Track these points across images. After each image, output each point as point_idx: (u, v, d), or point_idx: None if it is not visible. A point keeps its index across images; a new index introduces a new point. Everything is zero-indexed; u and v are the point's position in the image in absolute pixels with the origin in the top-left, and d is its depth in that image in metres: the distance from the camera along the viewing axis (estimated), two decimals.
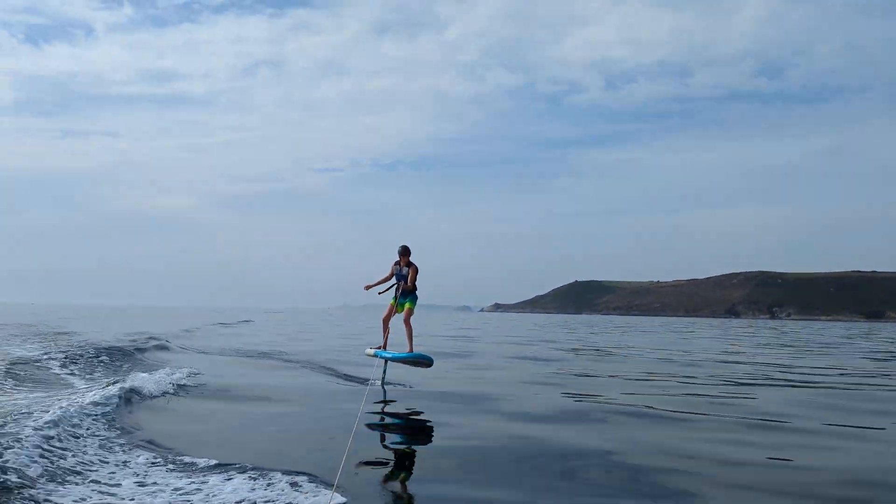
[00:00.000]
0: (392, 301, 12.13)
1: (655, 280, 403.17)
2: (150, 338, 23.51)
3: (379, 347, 12.45)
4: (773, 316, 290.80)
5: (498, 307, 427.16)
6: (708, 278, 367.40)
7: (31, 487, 5.00)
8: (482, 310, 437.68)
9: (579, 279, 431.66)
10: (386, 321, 12.33)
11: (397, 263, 12.00)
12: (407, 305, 11.95)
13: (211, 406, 9.85)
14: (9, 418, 6.97)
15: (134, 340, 21.81)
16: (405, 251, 11.86)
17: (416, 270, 11.92)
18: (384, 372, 12.44)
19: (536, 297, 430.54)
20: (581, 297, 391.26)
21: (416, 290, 12.03)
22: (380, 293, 12.12)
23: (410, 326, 11.96)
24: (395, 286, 12.07)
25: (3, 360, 13.89)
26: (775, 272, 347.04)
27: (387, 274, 12.07)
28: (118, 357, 16.68)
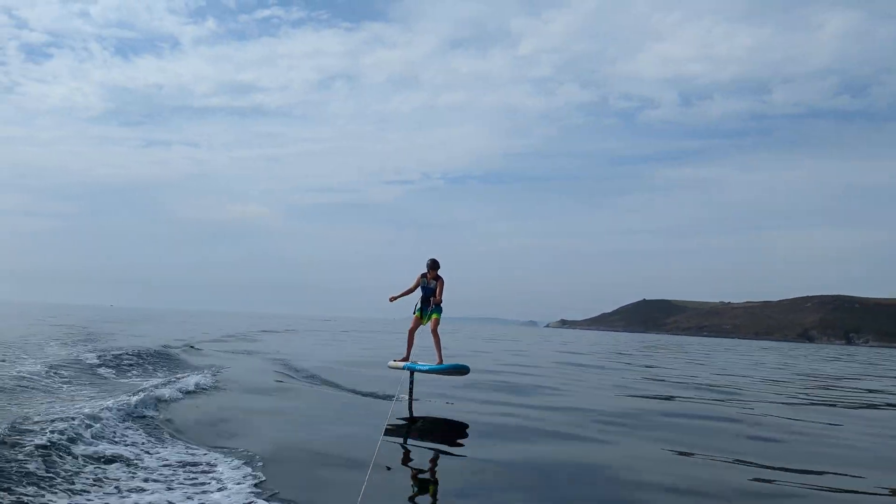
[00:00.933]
0: (417, 313, 11.95)
1: (726, 301, 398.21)
2: (186, 344, 24.56)
3: (404, 359, 12.11)
4: (849, 342, 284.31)
5: (564, 323, 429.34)
6: (781, 301, 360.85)
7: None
8: (548, 325, 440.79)
9: (647, 297, 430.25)
10: (412, 333, 12.07)
11: (424, 276, 11.83)
12: (434, 316, 11.72)
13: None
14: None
15: (166, 346, 22.41)
16: (434, 265, 11.73)
17: (443, 284, 11.74)
18: (411, 384, 12.05)
19: (603, 314, 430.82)
20: (649, 315, 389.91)
21: (441, 302, 11.77)
22: (392, 299, 11.85)
23: (438, 336, 11.71)
24: (422, 298, 11.91)
25: (46, 360, 15.26)
26: (852, 296, 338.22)
27: (411, 285, 11.91)
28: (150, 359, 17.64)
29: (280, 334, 43.50)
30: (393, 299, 11.86)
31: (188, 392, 11.83)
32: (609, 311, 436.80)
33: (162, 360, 17.99)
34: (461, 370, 11.74)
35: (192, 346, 23.78)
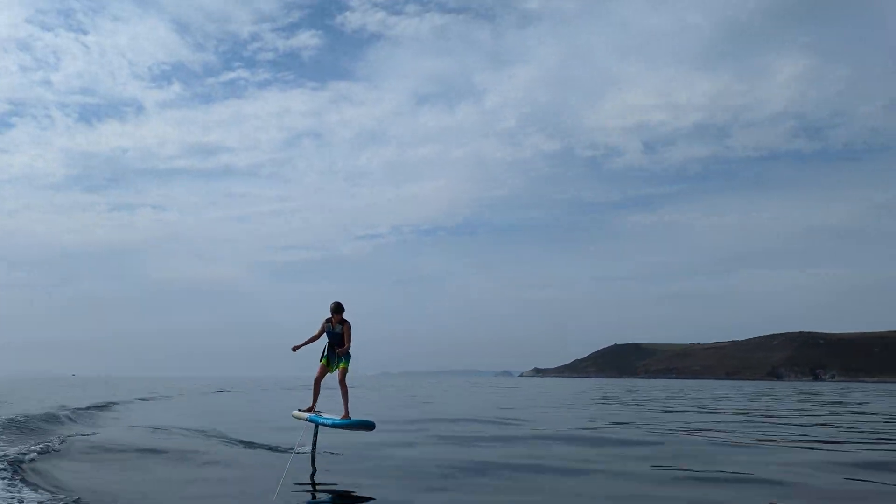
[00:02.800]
0: (323, 361, 11.37)
1: (696, 342, 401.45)
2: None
3: (309, 410, 11.62)
4: (816, 378, 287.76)
5: (537, 371, 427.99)
6: (748, 340, 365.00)
7: None
8: (521, 374, 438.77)
9: (619, 342, 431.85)
10: (318, 382, 11.52)
11: (328, 321, 11.30)
12: (341, 365, 11.19)
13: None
14: None
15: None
16: (338, 308, 11.21)
17: (349, 328, 11.17)
18: (315, 437, 11.59)
19: (575, 361, 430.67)
20: (621, 360, 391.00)
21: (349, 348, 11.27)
22: (295, 348, 11.19)
23: (346, 387, 11.21)
24: (327, 345, 11.40)
25: None
26: (817, 332, 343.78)
27: (316, 332, 11.35)
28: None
29: (204, 396, 43.22)
30: (296, 349, 11.16)
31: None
32: (582, 357, 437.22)
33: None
34: (367, 426, 10.91)
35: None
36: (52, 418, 19.35)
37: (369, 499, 8.51)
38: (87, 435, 15.59)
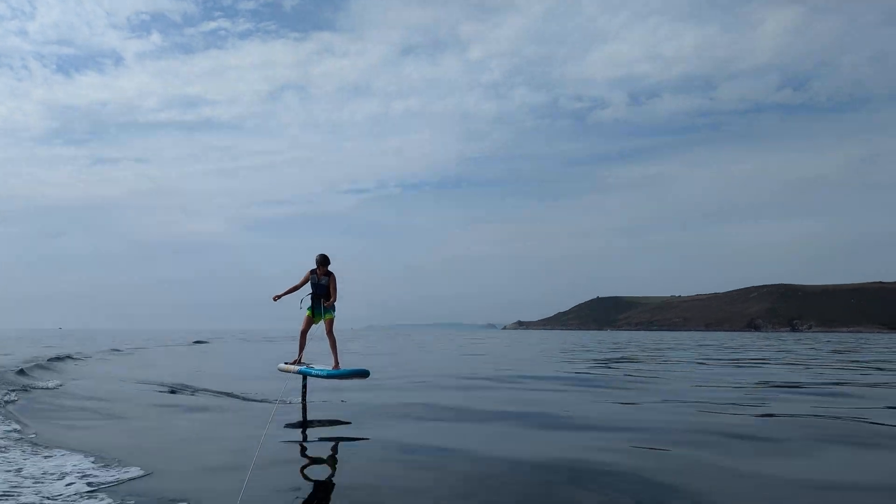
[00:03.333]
0: (308, 312, 11.22)
1: (677, 295, 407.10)
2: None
3: (295, 362, 11.46)
4: (793, 329, 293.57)
5: (520, 324, 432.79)
6: (728, 292, 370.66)
7: None
8: (504, 327, 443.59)
9: (601, 295, 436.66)
10: (304, 334, 11.33)
11: (313, 272, 11.14)
12: (327, 316, 11.13)
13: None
14: None
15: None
16: (324, 260, 11.07)
17: (335, 281, 11.14)
18: (304, 389, 11.50)
19: (559, 313, 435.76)
20: (602, 313, 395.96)
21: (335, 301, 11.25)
22: (276, 297, 11.03)
23: (334, 338, 11.12)
24: (312, 296, 11.19)
25: None
26: (796, 285, 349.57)
27: (298, 282, 11.15)
28: None
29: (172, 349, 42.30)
30: (277, 298, 10.96)
31: None
32: (564, 310, 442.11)
33: None
34: (360, 374, 10.77)
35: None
36: (21, 371, 18.35)
37: (363, 438, 8.67)
38: (54, 388, 14.96)
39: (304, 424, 9.80)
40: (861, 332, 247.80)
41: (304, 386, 11.54)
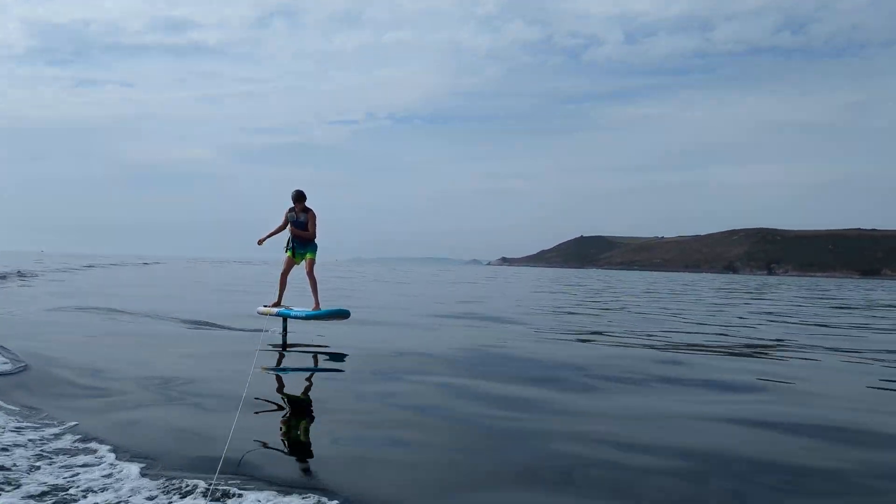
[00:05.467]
0: (288, 253, 10.93)
1: (660, 236, 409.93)
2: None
3: (275, 305, 11.07)
4: (770, 272, 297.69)
5: (504, 261, 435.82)
6: (710, 234, 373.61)
7: None
8: (489, 263, 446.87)
9: (585, 234, 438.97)
10: (284, 275, 11.05)
11: (292, 210, 10.77)
12: (308, 256, 10.88)
13: None
14: None
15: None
16: (300, 196, 10.67)
17: (314, 217, 10.80)
18: (284, 332, 10.94)
19: (542, 251, 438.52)
20: (585, 252, 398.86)
21: (314, 238, 10.95)
22: (260, 241, 10.95)
23: (315, 278, 10.83)
24: (292, 236, 10.88)
25: None
26: (776, 229, 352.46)
27: (280, 223, 10.89)
28: None
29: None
30: (261, 242, 10.93)
31: None
32: (548, 248, 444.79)
33: None
34: (342, 315, 10.67)
35: None
36: None
37: (343, 355, 9.38)
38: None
39: (281, 359, 9.24)
40: (836, 276, 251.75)
41: (284, 329, 11.01)
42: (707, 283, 63.85)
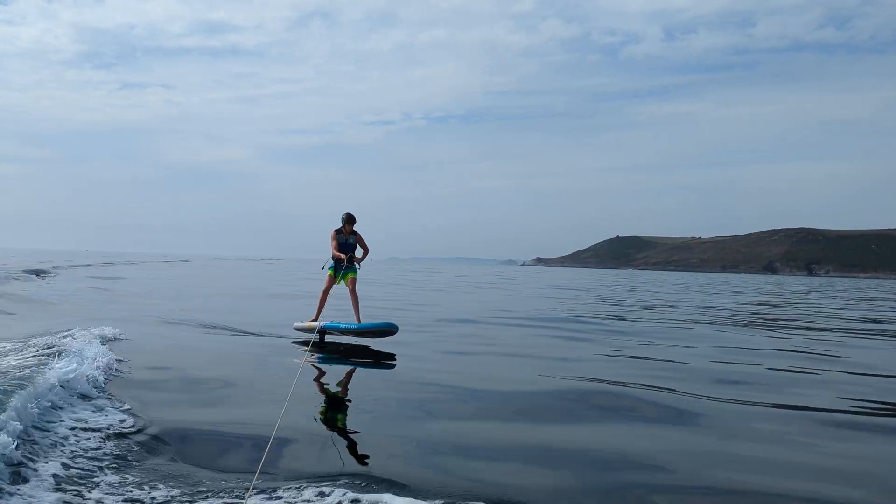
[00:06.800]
0: (330, 271, 11.32)
1: (697, 236, 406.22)
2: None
3: (313, 321, 11.19)
4: (811, 273, 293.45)
5: (539, 261, 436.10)
6: (748, 234, 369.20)
7: None
8: (523, 263, 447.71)
9: (621, 234, 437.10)
10: (326, 294, 11.40)
11: (339, 232, 11.15)
12: (350, 275, 11.23)
13: None
14: None
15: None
16: (350, 219, 11.04)
17: (363, 240, 11.31)
18: (319, 341, 10.82)
19: (577, 251, 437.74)
20: (621, 252, 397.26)
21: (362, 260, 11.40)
22: (339, 259, 11.14)
23: (357, 296, 11.16)
24: (335, 257, 11.17)
25: None
26: (817, 229, 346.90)
27: (333, 244, 11.14)
28: None
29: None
30: (340, 259, 11.06)
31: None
32: (584, 248, 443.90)
33: None
34: (389, 329, 10.70)
35: None
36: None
37: (391, 355, 10.14)
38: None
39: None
40: (879, 277, 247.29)
41: (321, 341, 10.93)
42: (775, 285, 61.20)
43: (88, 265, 49.24)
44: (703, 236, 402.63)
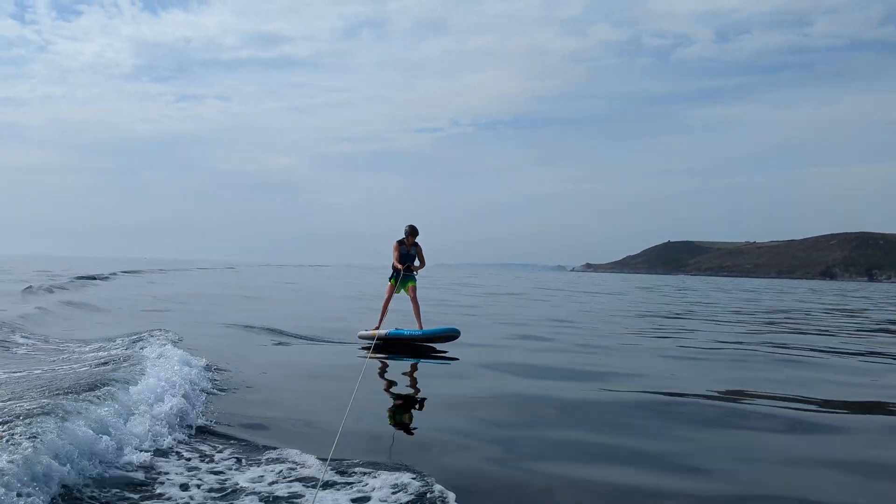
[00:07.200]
0: (392, 281, 11.63)
1: (751, 241, 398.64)
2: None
3: (375, 329, 11.51)
4: (871, 279, 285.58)
5: (589, 266, 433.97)
6: (805, 239, 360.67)
7: None
8: (573, 269, 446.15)
9: (673, 239, 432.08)
10: (387, 303, 11.80)
11: (401, 242, 11.51)
12: (410, 283, 11.66)
13: None
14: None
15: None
16: (413, 231, 11.39)
17: (422, 250, 11.65)
18: (376, 346, 10.72)
19: (627, 257, 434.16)
20: (672, 257, 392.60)
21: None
22: (400, 268, 11.53)
23: (418, 303, 11.58)
24: (395, 267, 11.55)
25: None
26: (877, 233, 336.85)
27: (395, 254, 11.50)
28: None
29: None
30: (401, 269, 11.47)
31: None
32: (634, 253, 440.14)
33: None
34: (451, 333, 11.16)
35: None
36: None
37: (454, 359, 10.38)
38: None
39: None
40: None
41: (380, 345, 11.11)
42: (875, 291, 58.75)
43: (161, 270, 55.59)
44: (757, 241, 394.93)
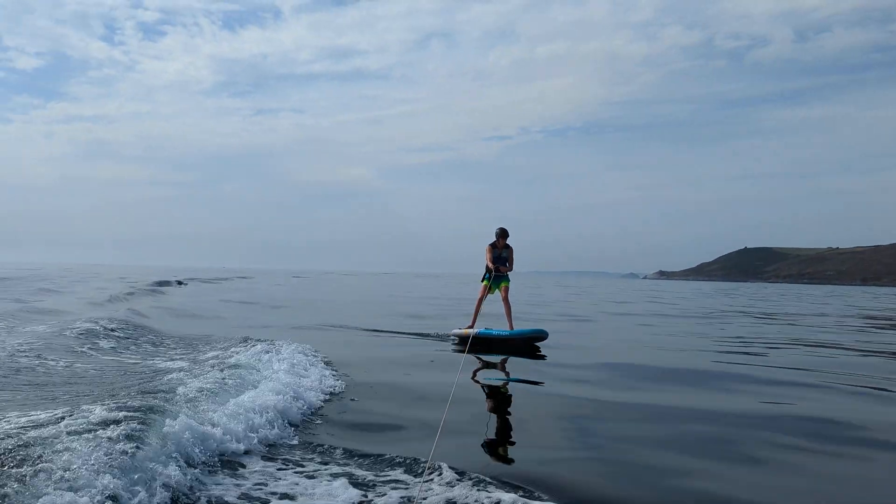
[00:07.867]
0: (485, 282, 11.95)
1: (834, 247, 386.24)
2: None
3: (469, 327, 11.77)
4: None
5: (662, 274, 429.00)
6: (892, 245, 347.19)
7: None
8: (645, 277, 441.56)
9: (749, 246, 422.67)
10: (480, 302, 12.11)
11: (494, 246, 11.79)
12: (503, 284, 11.87)
13: None
14: None
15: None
16: (504, 233, 11.68)
17: (512, 253, 11.89)
18: (469, 343, 10.58)
19: (702, 264, 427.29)
20: (749, 264, 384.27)
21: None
22: (494, 271, 11.78)
23: (509, 304, 11.79)
24: (489, 268, 11.84)
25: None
26: None
27: (487, 257, 11.80)
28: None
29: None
30: (494, 271, 11.84)
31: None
32: (709, 260, 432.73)
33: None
34: (540, 335, 11.41)
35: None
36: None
37: (543, 357, 10.42)
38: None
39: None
40: None
41: (473, 343, 11.11)
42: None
43: (244, 277, 59.64)
44: (840, 247, 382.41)
